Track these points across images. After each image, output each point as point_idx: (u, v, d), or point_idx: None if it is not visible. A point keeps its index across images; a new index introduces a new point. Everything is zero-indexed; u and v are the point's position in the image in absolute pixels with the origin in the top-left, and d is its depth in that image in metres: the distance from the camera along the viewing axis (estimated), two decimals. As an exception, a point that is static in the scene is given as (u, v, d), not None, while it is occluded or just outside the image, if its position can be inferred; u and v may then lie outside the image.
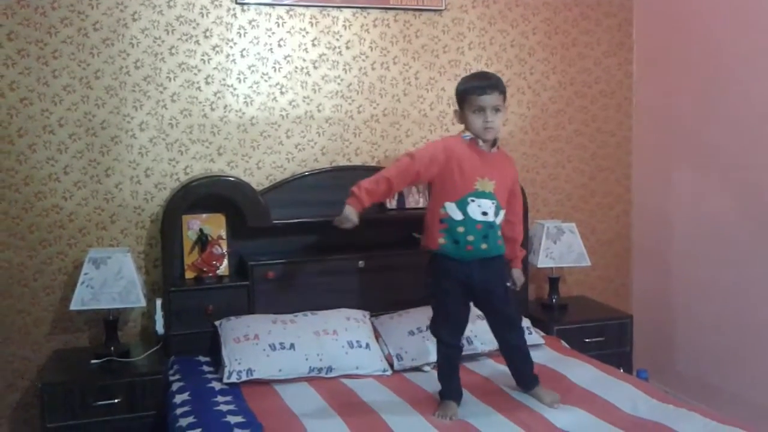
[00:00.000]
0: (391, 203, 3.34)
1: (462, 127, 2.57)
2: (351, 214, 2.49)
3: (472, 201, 2.47)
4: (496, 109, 2.48)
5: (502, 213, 2.55)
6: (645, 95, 3.88)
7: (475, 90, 2.48)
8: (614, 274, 4.00)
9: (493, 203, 2.49)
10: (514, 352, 2.63)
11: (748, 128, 3.26)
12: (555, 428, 2.30)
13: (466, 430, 2.32)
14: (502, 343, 2.65)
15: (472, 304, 2.63)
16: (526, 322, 3.07)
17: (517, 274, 2.80)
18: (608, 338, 3.39)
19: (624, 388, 2.59)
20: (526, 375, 2.61)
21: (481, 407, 2.49)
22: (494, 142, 2.55)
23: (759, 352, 3.25)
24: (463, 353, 2.88)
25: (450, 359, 2.59)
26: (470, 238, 2.47)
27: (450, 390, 2.53)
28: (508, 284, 2.67)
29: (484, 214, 2.48)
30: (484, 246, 2.49)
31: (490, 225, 2.50)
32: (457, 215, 2.47)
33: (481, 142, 2.51)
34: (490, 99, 2.46)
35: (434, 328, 2.63)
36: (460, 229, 2.47)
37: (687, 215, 3.64)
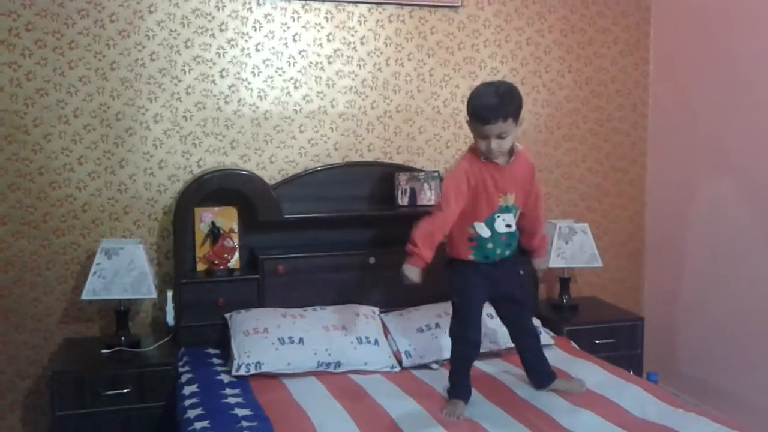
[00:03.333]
0: (403, 200, 3.33)
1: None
2: (413, 273, 2.47)
3: (498, 217, 2.51)
4: (500, 137, 2.37)
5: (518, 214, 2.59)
6: (661, 95, 3.85)
7: (479, 118, 2.37)
8: (626, 275, 3.97)
9: (514, 214, 2.55)
10: (529, 346, 2.66)
11: (764, 130, 3.23)
12: (563, 429, 2.29)
13: (474, 429, 2.31)
14: (521, 341, 2.68)
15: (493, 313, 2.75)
16: (536, 322, 3.06)
17: (540, 263, 2.83)
18: (619, 340, 3.37)
19: (633, 390, 2.57)
20: (544, 373, 2.62)
21: (489, 407, 2.49)
22: (510, 151, 2.49)
23: (771, 357, 3.22)
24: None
25: (469, 359, 2.59)
26: (498, 251, 2.55)
27: (461, 389, 2.53)
28: (521, 272, 2.70)
29: (508, 226, 2.54)
30: (507, 252, 2.58)
31: (512, 234, 2.58)
32: (486, 232, 2.51)
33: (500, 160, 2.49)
34: (493, 128, 2.35)
35: (458, 327, 2.59)
36: (490, 246, 2.53)
37: (701, 217, 3.61)
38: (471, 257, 2.54)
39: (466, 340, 2.58)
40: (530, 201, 2.64)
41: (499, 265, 2.57)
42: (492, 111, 2.34)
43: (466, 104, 2.47)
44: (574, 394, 2.54)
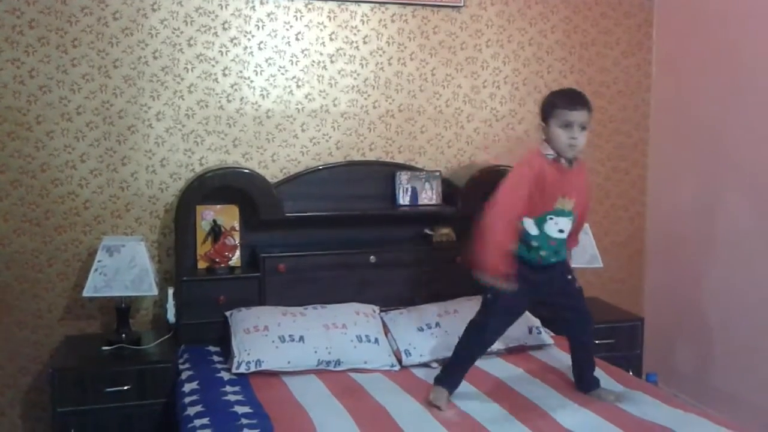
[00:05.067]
0: (404, 199, 3.34)
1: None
2: (503, 283, 2.43)
3: (551, 219, 2.47)
4: (583, 127, 2.43)
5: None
6: (663, 97, 3.85)
7: (566, 105, 2.42)
8: (627, 276, 3.97)
9: (570, 220, 2.51)
10: (581, 350, 2.65)
11: (766, 132, 3.23)
12: (562, 429, 2.30)
13: (473, 428, 2.32)
14: (574, 342, 2.67)
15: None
16: (535, 322, 3.07)
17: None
18: (619, 340, 3.37)
19: (632, 391, 2.58)
20: (588, 378, 2.62)
21: (490, 405, 2.49)
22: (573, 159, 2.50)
23: (771, 359, 3.23)
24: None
25: (474, 355, 2.60)
26: (543, 253, 2.49)
27: (452, 381, 2.54)
28: (569, 277, 2.64)
29: (561, 231, 2.49)
30: (554, 259, 2.53)
31: (563, 241, 2.53)
32: (533, 230, 2.48)
33: (563, 160, 2.46)
34: (579, 115, 2.41)
35: (481, 322, 2.58)
36: (534, 244, 2.49)
37: (702, 219, 3.61)
38: (514, 246, 2.47)
39: (483, 334, 2.57)
40: (581, 210, 2.58)
41: (544, 270, 2.53)
42: (580, 97, 2.46)
43: (543, 103, 2.51)
44: (606, 401, 2.51)
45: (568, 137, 2.41)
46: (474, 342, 2.60)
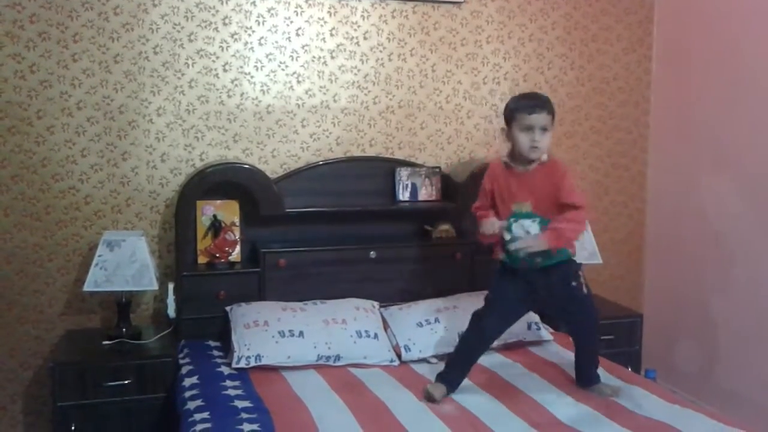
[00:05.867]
0: (404, 195, 3.35)
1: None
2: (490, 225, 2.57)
3: (515, 222, 2.54)
4: (544, 129, 2.49)
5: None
6: (663, 93, 3.85)
7: (525, 108, 2.50)
8: (626, 272, 3.98)
9: (534, 221, 2.53)
10: (583, 349, 2.68)
11: (766, 128, 3.23)
12: (559, 422, 2.31)
13: (471, 422, 2.33)
14: (577, 342, 2.70)
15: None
16: (534, 318, 3.08)
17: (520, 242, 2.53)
18: (618, 337, 3.37)
19: (630, 386, 2.59)
20: (588, 375, 2.65)
21: (488, 400, 2.50)
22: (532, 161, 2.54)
23: (769, 356, 3.24)
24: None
25: (472, 350, 2.63)
26: (521, 254, 2.52)
27: (452, 377, 2.57)
28: (573, 284, 2.61)
29: (527, 232, 2.53)
30: (538, 260, 2.54)
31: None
32: (506, 235, 2.55)
33: (520, 166, 2.55)
34: (538, 118, 2.48)
35: (479, 314, 2.65)
36: (511, 247, 2.54)
37: (701, 215, 3.61)
38: (501, 257, 2.62)
39: (479, 330, 2.62)
40: (562, 206, 2.54)
41: (541, 275, 2.56)
42: (539, 100, 2.55)
43: (505, 107, 2.59)
44: (603, 396, 2.54)
45: (530, 140, 2.48)
46: (473, 334, 2.63)
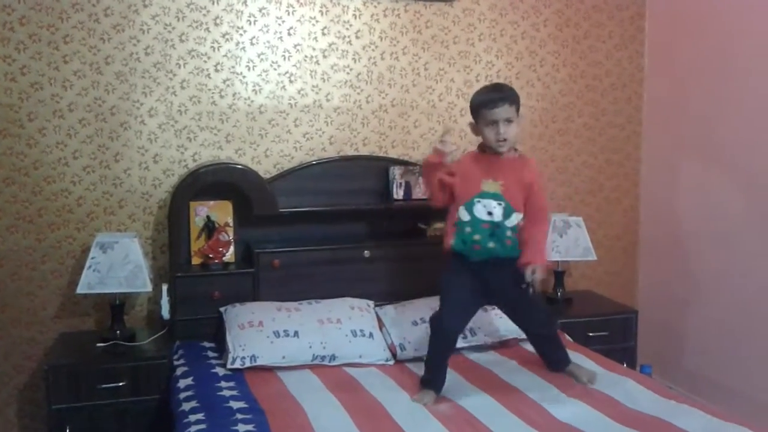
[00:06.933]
0: (398, 194, 3.34)
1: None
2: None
3: (478, 202, 2.54)
4: (508, 121, 2.51)
5: (515, 215, 2.55)
6: (656, 89, 3.86)
7: (487, 104, 2.51)
8: (620, 268, 3.99)
9: (499, 204, 2.54)
10: (541, 340, 2.72)
11: (759, 124, 3.24)
12: (556, 420, 2.31)
13: (468, 421, 2.32)
14: (528, 335, 2.75)
15: (489, 306, 2.77)
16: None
17: (528, 272, 2.51)
18: (612, 333, 3.38)
19: (626, 382, 2.58)
20: (557, 359, 2.68)
21: (482, 398, 2.50)
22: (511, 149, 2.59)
23: (764, 349, 3.24)
24: (467, 345, 2.91)
25: (442, 349, 2.61)
26: (476, 237, 2.54)
27: (433, 379, 2.56)
28: (523, 286, 2.55)
29: (489, 213, 2.54)
30: (491, 245, 2.54)
31: (497, 225, 2.54)
32: (465, 216, 2.55)
33: (490, 152, 2.58)
34: (501, 112, 2.49)
35: (436, 315, 2.65)
36: (468, 230, 2.55)
37: (695, 211, 3.62)
38: (451, 242, 2.58)
39: (440, 329, 2.61)
40: (528, 204, 2.58)
41: (490, 264, 2.56)
42: (499, 93, 2.54)
43: (470, 104, 2.60)
44: (580, 383, 2.58)
45: (495, 134, 2.51)
46: (435, 336, 2.62)
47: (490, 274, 2.57)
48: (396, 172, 3.35)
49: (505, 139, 2.51)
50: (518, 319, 2.74)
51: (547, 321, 2.74)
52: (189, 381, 2.63)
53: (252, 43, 3.25)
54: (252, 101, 3.28)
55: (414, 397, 2.50)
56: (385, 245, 3.28)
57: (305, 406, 2.40)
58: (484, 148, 2.61)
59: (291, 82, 3.32)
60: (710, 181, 3.52)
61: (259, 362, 2.73)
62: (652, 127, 3.89)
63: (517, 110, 2.55)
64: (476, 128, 2.59)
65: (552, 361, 2.70)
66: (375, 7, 3.40)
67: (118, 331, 2.95)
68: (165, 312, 3.07)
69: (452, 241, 2.58)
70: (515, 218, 2.55)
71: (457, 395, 2.52)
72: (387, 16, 3.42)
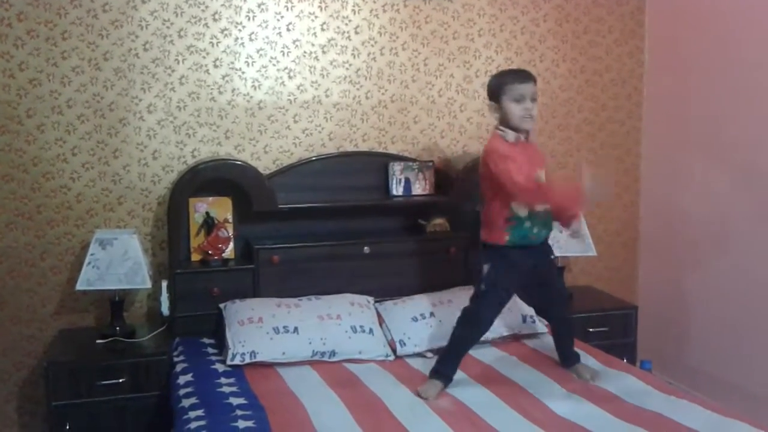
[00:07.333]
0: (398, 190, 3.34)
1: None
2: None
3: None
4: (533, 99, 2.54)
5: None
6: (656, 85, 3.85)
7: (515, 79, 2.54)
8: (620, 264, 3.98)
9: None
10: (563, 328, 2.74)
11: (759, 118, 3.23)
12: (555, 416, 2.31)
13: (468, 416, 2.32)
14: (555, 319, 2.77)
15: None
16: (529, 311, 3.07)
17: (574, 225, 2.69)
18: (612, 328, 3.38)
19: (626, 378, 2.59)
20: (570, 354, 2.70)
21: (484, 394, 2.50)
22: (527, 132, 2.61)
23: (764, 345, 3.24)
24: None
25: (470, 344, 2.64)
26: (535, 230, 2.58)
27: (447, 372, 2.56)
28: (552, 257, 2.75)
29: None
30: (545, 231, 2.62)
31: (547, 212, 2.58)
32: (523, 212, 2.55)
33: (522, 137, 2.57)
34: (529, 87, 2.53)
35: (476, 310, 2.61)
36: (527, 224, 2.56)
37: (695, 206, 3.62)
38: (506, 239, 2.56)
39: (478, 325, 2.61)
40: None
41: (535, 250, 2.60)
42: (526, 72, 2.60)
43: (491, 84, 2.62)
44: (582, 379, 2.60)
45: (523, 109, 2.52)
46: (469, 332, 2.62)
47: (539, 256, 2.63)
48: (396, 168, 3.34)
49: (531, 116, 2.52)
50: (546, 300, 2.77)
51: (567, 302, 2.80)
52: (189, 377, 2.63)
53: (251, 39, 3.24)
54: (251, 97, 3.27)
55: (419, 388, 2.49)
56: (385, 241, 3.28)
57: (305, 402, 2.40)
58: (505, 134, 2.53)
59: (290, 77, 3.31)
60: (710, 177, 3.52)
61: (258, 358, 2.73)
62: (653, 122, 3.88)
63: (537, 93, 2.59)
64: (498, 108, 2.57)
65: (566, 357, 2.71)
66: (374, 2, 3.39)
67: (117, 328, 2.95)
68: (164, 308, 3.07)
69: (508, 237, 2.56)
70: None
71: (457, 390, 2.52)
72: (386, 11, 3.41)
